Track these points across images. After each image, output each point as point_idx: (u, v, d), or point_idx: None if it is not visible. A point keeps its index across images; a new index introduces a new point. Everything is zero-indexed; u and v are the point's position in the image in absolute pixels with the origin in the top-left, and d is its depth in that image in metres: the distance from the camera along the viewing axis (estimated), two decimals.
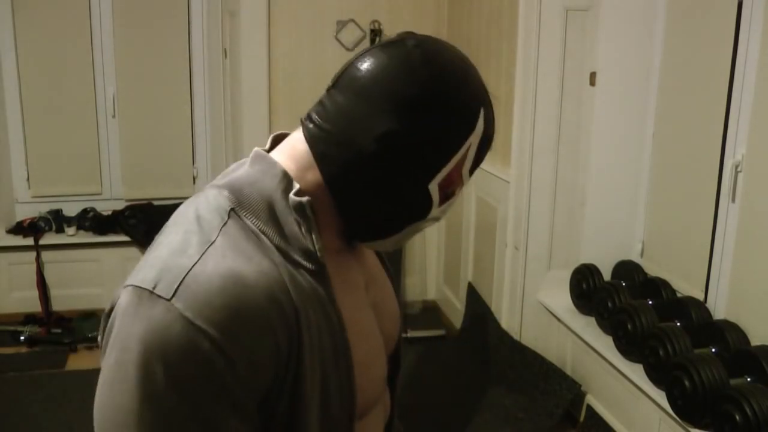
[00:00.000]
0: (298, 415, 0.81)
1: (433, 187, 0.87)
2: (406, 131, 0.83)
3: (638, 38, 3.02)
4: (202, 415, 0.74)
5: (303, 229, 0.84)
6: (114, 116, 4.36)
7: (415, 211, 0.89)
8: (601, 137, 3.12)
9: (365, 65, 0.85)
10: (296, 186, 0.85)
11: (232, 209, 0.84)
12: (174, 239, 0.81)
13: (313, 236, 0.84)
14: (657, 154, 3.06)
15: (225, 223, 0.82)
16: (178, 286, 0.75)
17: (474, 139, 0.87)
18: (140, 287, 0.77)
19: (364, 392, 0.89)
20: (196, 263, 0.77)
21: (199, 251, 0.79)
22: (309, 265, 0.84)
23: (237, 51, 3.91)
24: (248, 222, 0.83)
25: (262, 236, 0.82)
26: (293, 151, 0.89)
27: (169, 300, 0.75)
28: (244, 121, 3.90)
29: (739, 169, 2.53)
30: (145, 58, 4.34)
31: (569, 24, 3.05)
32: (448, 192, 0.90)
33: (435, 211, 0.90)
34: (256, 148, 0.91)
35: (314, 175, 0.87)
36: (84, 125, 4.32)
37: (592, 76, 3.07)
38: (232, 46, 4.01)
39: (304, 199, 0.84)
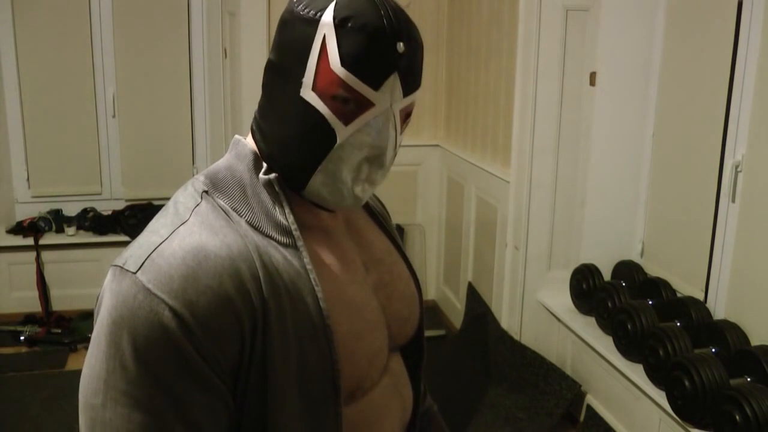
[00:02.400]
0: (272, 390, 0.81)
1: (310, 95, 0.85)
2: (273, 52, 0.90)
3: (638, 38, 3.02)
4: (166, 386, 0.76)
5: (276, 205, 0.88)
6: (114, 116, 4.36)
7: (313, 130, 0.85)
8: (601, 137, 3.12)
9: None
10: (265, 165, 0.90)
11: (205, 191, 0.88)
12: (153, 223, 0.87)
13: (285, 210, 0.88)
14: (657, 154, 3.06)
15: (198, 204, 0.86)
16: (144, 261, 0.79)
17: (327, 30, 0.83)
18: (115, 265, 0.82)
19: (353, 366, 0.89)
20: (164, 240, 0.81)
21: (170, 230, 0.83)
22: (282, 239, 0.86)
23: (237, 51, 3.91)
24: (220, 201, 0.87)
25: (233, 213, 0.86)
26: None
27: (134, 273, 0.78)
28: (244, 121, 3.90)
29: (739, 169, 2.53)
30: (145, 58, 4.34)
31: (569, 24, 3.05)
32: (335, 98, 0.84)
33: (344, 131, 0.84)
34: (235, 135, 0.96)
35: None
36: (84, 125, 4.32)
37: (592, 76, 3.07)
38: (232, 46, 4.01)
39: (272, 175, 0.89)
